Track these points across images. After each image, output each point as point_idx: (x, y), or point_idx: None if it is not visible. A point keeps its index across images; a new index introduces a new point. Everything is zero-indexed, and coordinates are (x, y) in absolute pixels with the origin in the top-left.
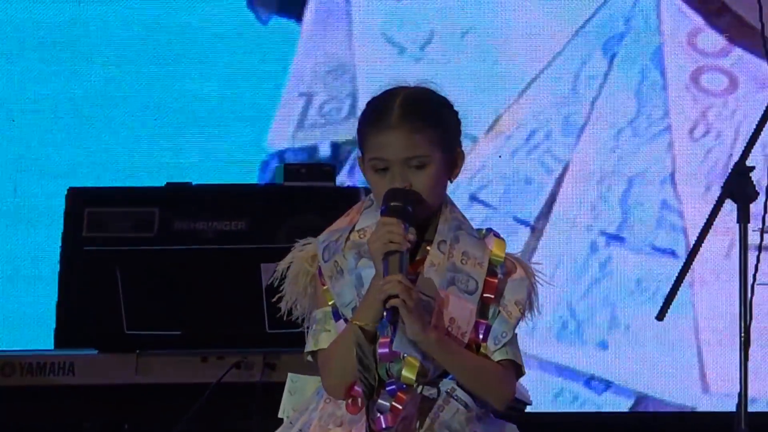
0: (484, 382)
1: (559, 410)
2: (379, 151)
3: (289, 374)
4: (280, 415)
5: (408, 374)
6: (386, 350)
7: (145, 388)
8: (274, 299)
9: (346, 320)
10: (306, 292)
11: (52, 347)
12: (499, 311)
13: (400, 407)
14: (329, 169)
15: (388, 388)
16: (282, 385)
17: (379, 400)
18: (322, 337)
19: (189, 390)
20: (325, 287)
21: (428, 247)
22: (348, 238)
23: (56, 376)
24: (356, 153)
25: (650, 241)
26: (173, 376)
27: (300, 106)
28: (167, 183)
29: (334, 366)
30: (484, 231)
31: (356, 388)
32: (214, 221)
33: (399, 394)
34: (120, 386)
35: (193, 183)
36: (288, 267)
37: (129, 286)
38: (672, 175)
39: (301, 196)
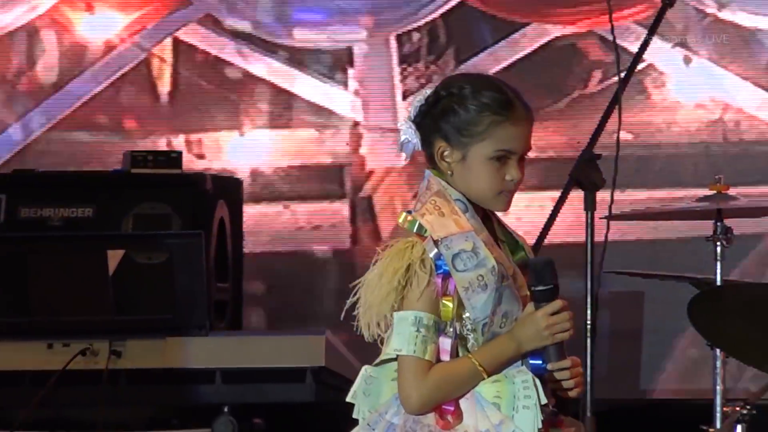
0: None
1: None
2: (511, 142)
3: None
4: (354, 416)
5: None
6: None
7: None
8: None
9: (458, 335)
10: (400, 293)
11: None
12: None
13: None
14: (176, 155)
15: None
16: (129, 372)
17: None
18: (431, 348)
19: (35, 377)
20: (449, 298)
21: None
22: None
23: None
24: (408, 130)
25: None
26: (18, 363)
27: None
28: (14, 170)
29: (443, 390)
30: None
31: (444, 407)
32: (61, 208)
33: (561, 417)
34: None
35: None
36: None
37: None
38: None
39: (148, 183)
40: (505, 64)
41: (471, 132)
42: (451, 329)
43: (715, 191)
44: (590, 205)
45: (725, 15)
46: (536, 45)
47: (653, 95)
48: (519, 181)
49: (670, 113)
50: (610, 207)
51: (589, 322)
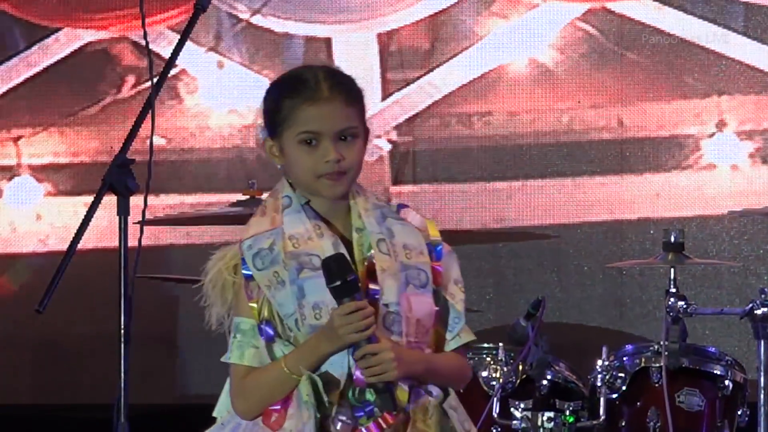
0: (450, 378)
1: None
2: (312, 123)
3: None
4: (215, 414)
5: (401, 398)
6: (362, 378)
7: None
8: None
9: (275, 334)
10: (228, 302)
11: None
12: (445, 297)
13: (385, 426)
14: None
15: (367, 409)
16: None
17: (341, 418)
18: (249, 352)
19: None
20: (254, 300)
21: (372, 249)
22: (284, 247)
23: None
24: (259, 132)
25: None
26: None
27: None
28: None
29: (257, 395)
30: (394, 207)
31: (271, 408)
32: None
33: (385, 415)
34: None
35: None
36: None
37: None
38: None
39: None
40: (37, 69)
41: (277, 120)
42: (266, 331)
43: (248, 196)
44: (123, 209)
45: (257, 20)
46: (69, 50)
47: (186, 100)
48: (343, 162)
49: (203, 118)
50: (143, 212)
51: (123, 327)
